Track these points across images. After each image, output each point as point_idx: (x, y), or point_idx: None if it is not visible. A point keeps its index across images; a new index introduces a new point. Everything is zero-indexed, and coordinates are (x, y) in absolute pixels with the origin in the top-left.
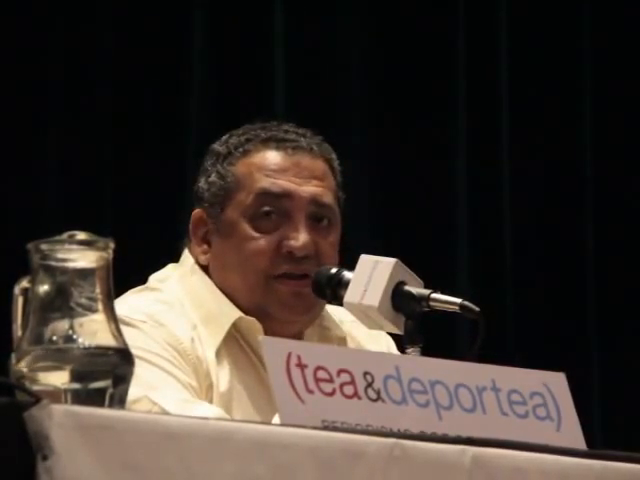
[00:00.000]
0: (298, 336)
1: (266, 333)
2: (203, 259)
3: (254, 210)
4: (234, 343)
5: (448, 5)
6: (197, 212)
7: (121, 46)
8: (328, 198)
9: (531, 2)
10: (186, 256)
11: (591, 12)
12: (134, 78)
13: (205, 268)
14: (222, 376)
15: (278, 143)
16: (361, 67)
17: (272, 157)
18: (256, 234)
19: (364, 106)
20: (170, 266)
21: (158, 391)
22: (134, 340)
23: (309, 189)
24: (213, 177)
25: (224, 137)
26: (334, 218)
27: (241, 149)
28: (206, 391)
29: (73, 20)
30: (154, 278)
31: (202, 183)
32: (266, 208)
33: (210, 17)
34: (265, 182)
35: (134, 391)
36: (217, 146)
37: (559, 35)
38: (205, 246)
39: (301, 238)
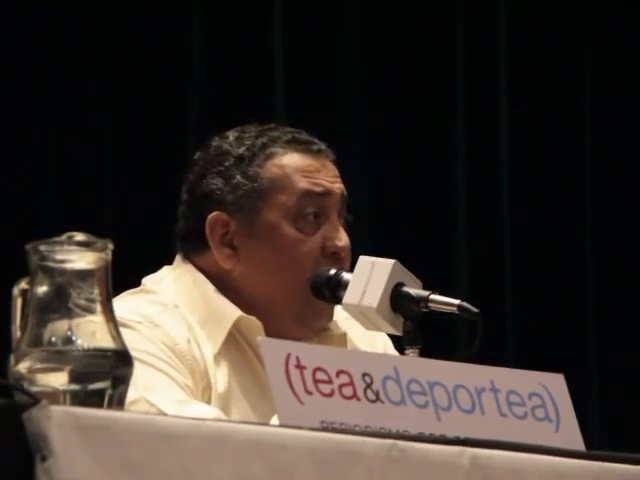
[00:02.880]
0: (298, 339)
1: (269, 333)
2: (229, 264)
3: (297, 211)
4: (233, 343)
5: (448, 5)
6: (216, 214)
7: (121, 46)
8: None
9: (531, 2)
10: (181, 258)
11: (590, 12)
12: (134, 78)
13: (214, 272)
14: (220, 376)
15: (302, 145)
16: (361, 67)
17: (303, 158)
18: (300, 236)
19: (364, 106)
20: (165, 268)
21: (155, 392)
22: (130, 341)
23: (339, 186)
24: (238, 178)
25: (232, 138)
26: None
27: (267, 151)
28: (203, 392)
29: (73, 20)
30: (148, 280)
31: (219, 184)
32: (311, 209)
33: (210, 17)
34: (305, 183)
35: (131, 392)
36: (230, 147)
37: (559, 35)
38: (227, 249)
39: (343, 238)
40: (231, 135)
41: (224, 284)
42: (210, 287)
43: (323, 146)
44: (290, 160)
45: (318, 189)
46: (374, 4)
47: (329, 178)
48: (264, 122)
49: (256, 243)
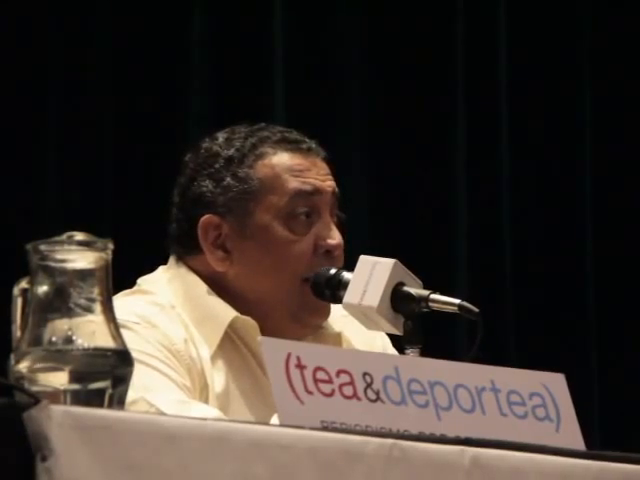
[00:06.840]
0: (294, 338)
1: (265, 333)
2: (222, 266)
3: (289, 211)
4: (229, 343)
5: (448, 5)
6: (208, 218)
7: (121, 46)
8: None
9: (531, 2)
10: (174, 259)
11: (591, 12)
12: (134, 78)
13: (208, 274)
14: (217, 377)
15: (292, 144)
16: (361, 68)
17: (293, 158)
18: (292, 236)
19: (364, 106)
20: (160, 269)
21: (154, 392)
22: (128, 342)
23: (330, 183)
24: (229, 180)
25: (221, 139)
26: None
27: (256, 151)
28: (200, 392)
29: (73, 20)
30: (144, 281)
31: (210, 187)
32: (302, 209)
33: (210, 17)
34: (296, 182)
35: (130, 393)
36: (220, 149)
37: (559, 35)
38: (220, 252)
39: (336, 236)
40: (221, 136)
41: (218, 286)
42: (204, 288)
43: (313, 144)
44: (280, 160)
45: (308, 188)
46: (374, 4)
47: (320, 176)
48: (254, 122)
49: (249, 245)
